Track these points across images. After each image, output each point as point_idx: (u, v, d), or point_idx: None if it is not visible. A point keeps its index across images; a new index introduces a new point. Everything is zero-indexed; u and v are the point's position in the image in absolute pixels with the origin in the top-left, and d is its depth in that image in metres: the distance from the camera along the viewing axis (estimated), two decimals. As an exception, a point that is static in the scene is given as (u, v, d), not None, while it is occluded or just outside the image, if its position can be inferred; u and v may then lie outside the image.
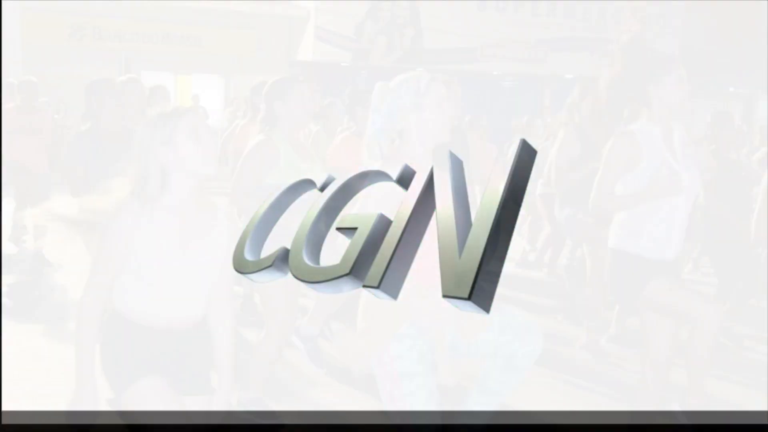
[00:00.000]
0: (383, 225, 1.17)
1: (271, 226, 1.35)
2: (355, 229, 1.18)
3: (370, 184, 1.32)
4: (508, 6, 21.81)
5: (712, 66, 24.97)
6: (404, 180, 1.28)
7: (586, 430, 4.46)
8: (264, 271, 1.27)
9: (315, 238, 1.26)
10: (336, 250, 1.18)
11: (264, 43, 19.83)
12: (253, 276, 1.28)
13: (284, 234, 2.89)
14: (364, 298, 2.94)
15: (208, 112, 18.49)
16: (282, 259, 1.25)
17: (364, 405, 4.72)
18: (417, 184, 1.21)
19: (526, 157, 1.14)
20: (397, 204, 1.10)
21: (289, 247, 1.26)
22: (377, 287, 1.12)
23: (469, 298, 1.02)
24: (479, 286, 1.03)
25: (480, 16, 21.28)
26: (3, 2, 15.01)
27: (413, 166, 2.81)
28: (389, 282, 1.12)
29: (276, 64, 18.24)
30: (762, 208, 3.99)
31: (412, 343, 2.89)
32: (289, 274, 1.22)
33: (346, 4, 19.71)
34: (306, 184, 1.31)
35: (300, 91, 4.28)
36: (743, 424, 4.39)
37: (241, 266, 1.30)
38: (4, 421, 4.09)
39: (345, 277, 1.14)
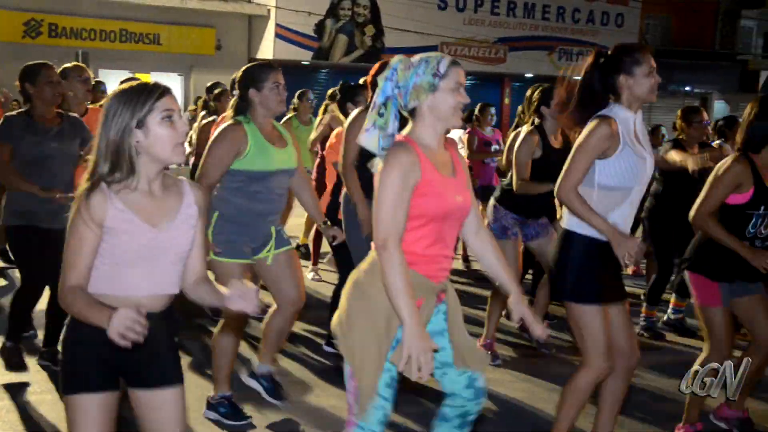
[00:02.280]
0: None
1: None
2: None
3: None
4: (468, 5, 21.91)
5: (669, 66, 25.33)
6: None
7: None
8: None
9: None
10: None
11: (223, 41, 19.68)
12: None
13: None
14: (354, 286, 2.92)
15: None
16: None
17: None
18: None
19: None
20: None
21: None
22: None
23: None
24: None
25: (440, 15, 21.34)
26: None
27: (422, 148, 2.78)
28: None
29: (236, 62, 18.07)
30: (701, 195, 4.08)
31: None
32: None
33: (306, 3, 19.65)
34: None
35: (273, 78, 4.23)
36: None
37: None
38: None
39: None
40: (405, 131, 2.92)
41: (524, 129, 5.56)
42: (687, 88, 26.30)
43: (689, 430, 4.26)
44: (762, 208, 4.04)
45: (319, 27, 20.07)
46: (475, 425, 3.16)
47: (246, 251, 4.25)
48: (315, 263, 8.16)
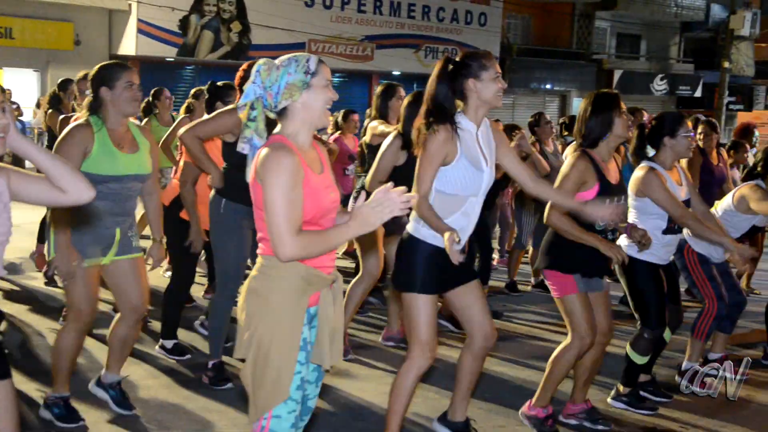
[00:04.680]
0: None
1: None
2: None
3: None
4: (335, 3, 21.96)
5: (530, 64, 26.19)
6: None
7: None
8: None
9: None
10: None
11: (82, 36, 18.95)
12: None
13: None
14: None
15: (22, 107, 17.51)
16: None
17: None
18: None
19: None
20: None
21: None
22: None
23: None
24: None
25: (307, 12, 21.29)
26: None
27: (297, 147, 2.78)
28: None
29: (96, 58, 17.42)
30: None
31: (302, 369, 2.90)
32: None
33: (169, -2, 19.17)
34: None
35: (127, 77, 4.13)
36: None
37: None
38: None
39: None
40: (276, 131, 2.93)
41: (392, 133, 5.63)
42: (548, 86, 27.26)
43: (539, 413, 4.42)
44: (607, 201, 4.24)
45: (184, 23, 19.64)
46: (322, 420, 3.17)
47: (92, 251, 4.16)
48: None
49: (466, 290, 3.95)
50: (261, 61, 2.92)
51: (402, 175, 5.36)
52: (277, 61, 2.91)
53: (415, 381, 3.88)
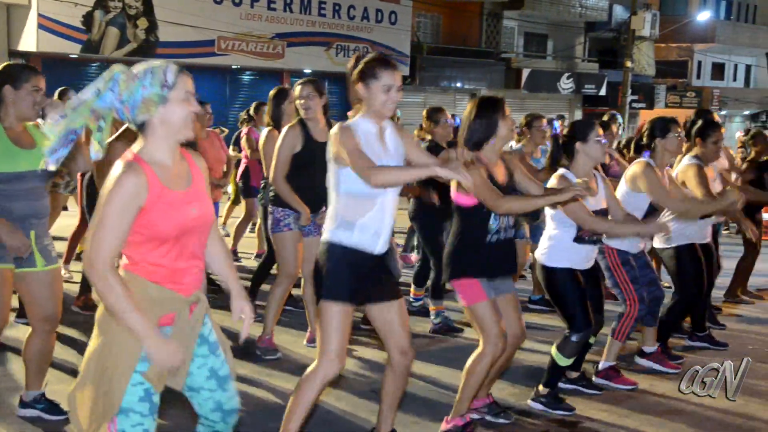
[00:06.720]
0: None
1: None
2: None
3: None
4: (245, 0, 21.70)
5: (440, 63, 26.45)
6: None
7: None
8: None
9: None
10: None
11: (-21, 31, 18.22)
12: None
13: None
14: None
15: None
16: None
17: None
18: None
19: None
20: None
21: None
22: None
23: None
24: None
25: (216, 9, 20.97)
26: None
27: (153, 165, 2.70)
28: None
29: (-6, 54, 16.81)
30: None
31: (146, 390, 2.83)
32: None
33: (72, -8, 18.59)
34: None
35: (36, 81, 4.08)
36: None
37: None
38: None
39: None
40: (136, 147, 2.82)
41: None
42: (458, 85, 27.57)
43: (458, 422, 4.45)
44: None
45: (88, 18, 19.07)
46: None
47: (6, 255, 4.03)
48: (67, 261, 7.88)
49: (389, 307, 3.87)
50: (119, 68, 2.79)
51: (302, 162, 5.35)
52: (134, 70, 2.78)
53: (320, 389, 3.80)
